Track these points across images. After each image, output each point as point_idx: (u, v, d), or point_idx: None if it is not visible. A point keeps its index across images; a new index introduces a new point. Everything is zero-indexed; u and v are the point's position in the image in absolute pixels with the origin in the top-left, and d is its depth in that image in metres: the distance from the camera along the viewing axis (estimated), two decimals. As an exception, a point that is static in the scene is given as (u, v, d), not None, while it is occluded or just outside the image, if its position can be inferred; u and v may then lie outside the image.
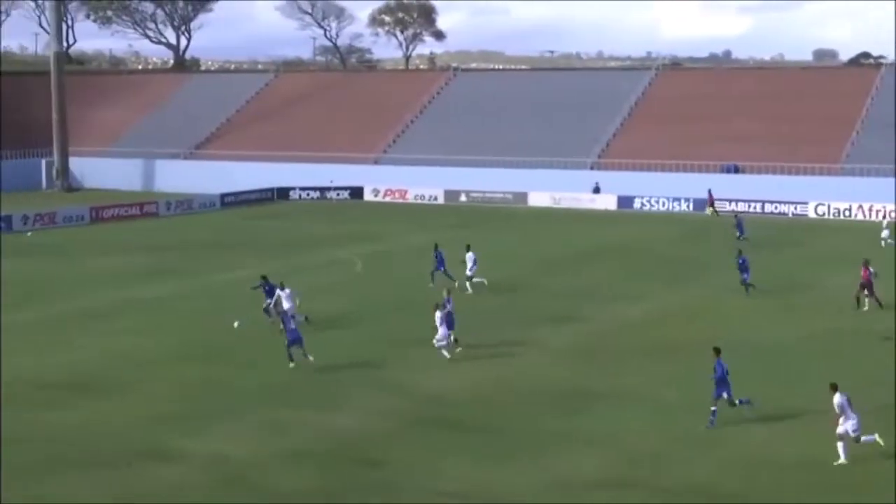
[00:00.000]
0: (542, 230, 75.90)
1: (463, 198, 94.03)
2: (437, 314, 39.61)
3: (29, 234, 74.33)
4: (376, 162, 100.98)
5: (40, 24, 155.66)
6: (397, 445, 30.24)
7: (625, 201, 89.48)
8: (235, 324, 42.89)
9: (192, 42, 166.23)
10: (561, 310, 47.49)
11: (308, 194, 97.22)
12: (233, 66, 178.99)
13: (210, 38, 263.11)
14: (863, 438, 28.55)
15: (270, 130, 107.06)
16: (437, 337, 39.43)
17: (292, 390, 35.43)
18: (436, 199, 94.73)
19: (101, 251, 66.80)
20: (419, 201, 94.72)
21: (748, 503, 26.34)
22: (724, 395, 31.19)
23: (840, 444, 28.35)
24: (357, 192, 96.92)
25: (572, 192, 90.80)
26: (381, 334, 43.21)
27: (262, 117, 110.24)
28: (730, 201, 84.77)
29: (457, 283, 50.54)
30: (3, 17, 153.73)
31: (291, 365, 37.60)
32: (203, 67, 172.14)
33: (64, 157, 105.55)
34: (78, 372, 37.98)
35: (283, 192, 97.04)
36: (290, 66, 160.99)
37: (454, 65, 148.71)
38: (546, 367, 38.35)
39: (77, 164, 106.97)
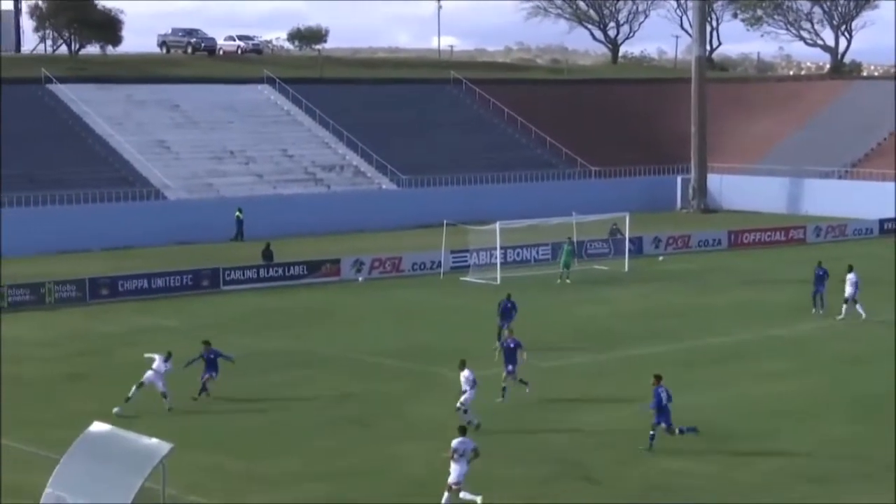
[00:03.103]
0: None
1: None
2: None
3: (661, 258, 76.50)
4: None
5: (681, 26, 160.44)
6: None
7: None
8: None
9: (852, 44, 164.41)
10: None
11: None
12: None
13: (873, 40, 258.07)
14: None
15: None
16: None
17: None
18: None
19: (738, 280, 67.62)
20: None
21: None
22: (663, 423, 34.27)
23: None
24: None
25: None
26: None
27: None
28: None
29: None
30: (642, 18, 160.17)
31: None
32: (864, 73, 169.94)
33: (702, 174, 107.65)
34: (709, 417, 38.54)
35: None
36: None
37: None
38: None
39: (715, 182, 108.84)
